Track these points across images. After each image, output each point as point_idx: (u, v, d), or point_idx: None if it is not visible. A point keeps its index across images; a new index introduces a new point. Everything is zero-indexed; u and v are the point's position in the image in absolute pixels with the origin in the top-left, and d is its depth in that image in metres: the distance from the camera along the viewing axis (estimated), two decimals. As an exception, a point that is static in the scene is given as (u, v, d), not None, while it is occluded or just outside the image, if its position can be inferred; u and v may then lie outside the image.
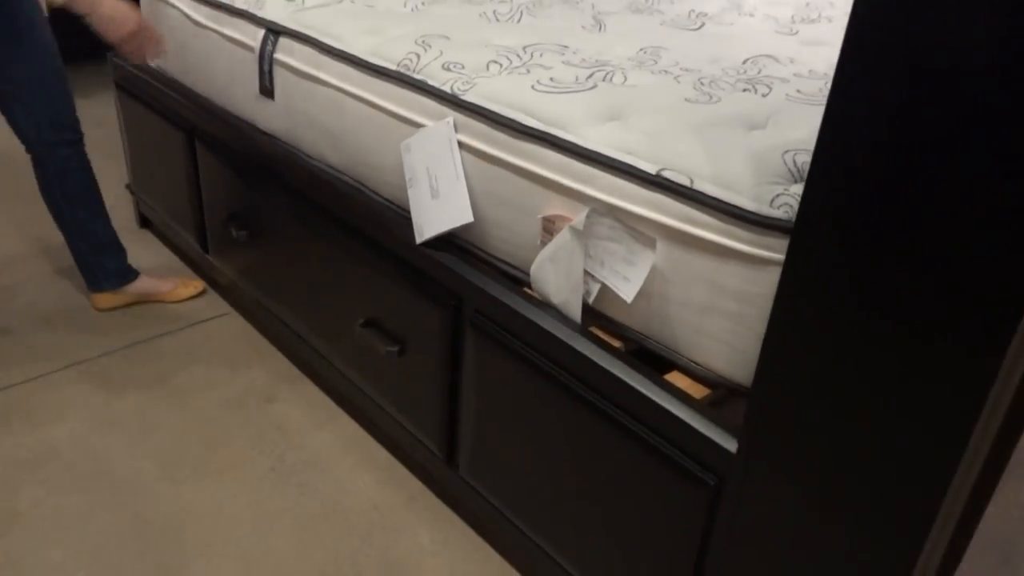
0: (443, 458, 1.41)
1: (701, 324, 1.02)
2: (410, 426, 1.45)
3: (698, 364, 1.06)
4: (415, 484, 1.54)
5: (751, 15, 1.80)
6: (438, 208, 1.26)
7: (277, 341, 1.90)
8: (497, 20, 1.60)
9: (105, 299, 1.95)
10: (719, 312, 1.00)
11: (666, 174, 1.01)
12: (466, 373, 1.29)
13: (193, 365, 1.80)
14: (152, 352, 1.84)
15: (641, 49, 1.45)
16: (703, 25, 1.69)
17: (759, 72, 1.36)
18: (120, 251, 1.92)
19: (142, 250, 2.23)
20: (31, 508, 1.43)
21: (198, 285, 2.04)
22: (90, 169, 1.80)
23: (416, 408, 1.42)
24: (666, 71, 1.33)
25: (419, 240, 1.30)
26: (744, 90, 1.25)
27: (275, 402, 1.72)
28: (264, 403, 1.71)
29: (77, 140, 1.75)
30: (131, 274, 1.95)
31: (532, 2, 1.76)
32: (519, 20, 1.62)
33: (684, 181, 0.99)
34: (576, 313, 1.12)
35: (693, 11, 1.80)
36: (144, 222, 2.36)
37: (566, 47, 1.43)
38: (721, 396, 1.04)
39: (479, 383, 1.26)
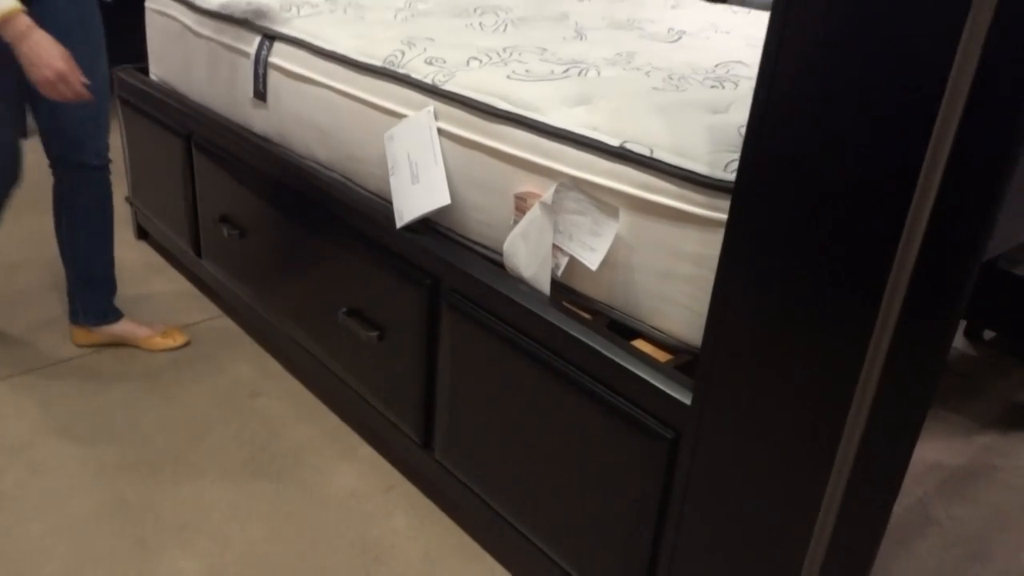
0: (420, 442, 1.43)
1: (662, 290, 1.06)
2: (389, 413, 1.48)
3: (660, 331, 1.09)
4: (394, 475, 1.56)
5: (727, 32, 1.89)
6: (418, 193, 1.32)
7: (264, 340, 1.94)
8: (482, 29, 1.68)
9: (81, 335, 1.86)
10: (678, 277, 1.04)
11: (628, 146, 1.06)
12: (442, 353, 1.32)
13: (181, 363, 1.84)
14: (141, 351, 1.87)
15: (617, 53, 1.53)
16: (680, 38, 1.76)
17: (728, 72, 1.42)
18: (109, 290, 1.84)
19: (137, 256, 2.28)
20: (14, 489, 1.45)
21: (179, 338, 1.91)
22: (106, 199, 1.74)
23: (395, 393, 1.45)
24: (638, 68, 1.40)
25: (400, 224, 1.35)
26: (712, 87, 1.31)
27: (259, 396, 1.75)
28: (248, 398, 1.74)
29: (100, 167, 1.70)
30: (112, 315, 1.85)
31: (518, 17, 1.85)
32: (504, 30, 1.70)
33: (644, 151, 1.04)
34: (545, 285, 1.17)
35: (672, 28, 1.88)
36: (141, 233, 2.42)
37: (545, 50, 1.50)
38: (683, 361, 1.08)
39: (455, 361, 1.29)
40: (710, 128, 1.06)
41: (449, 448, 1.36)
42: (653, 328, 1.10)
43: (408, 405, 1.42)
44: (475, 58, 1.39)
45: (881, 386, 0.75)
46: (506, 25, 1.74)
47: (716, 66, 1.48)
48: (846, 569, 0.86)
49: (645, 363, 1.02)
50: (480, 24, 1.73)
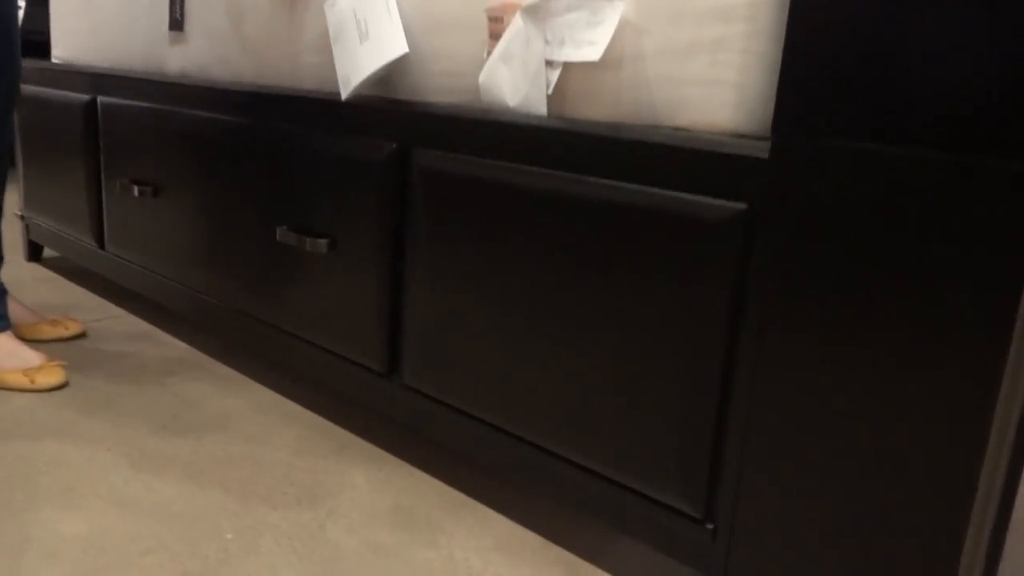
0: (383, 370, 1.14)
1: (685, 73, 0.87)
2: (342, 347, 1.19)
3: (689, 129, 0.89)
4: (345, 436, 1.25)
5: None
6: (368, 50, 1.11)
7: (177, 328, 1.62)
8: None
9: None
10: (705, 47, 0.85)
11: (629, -90, 0.89)
12: (413, 243, 1.07)
13: (73, 352, 1.49)
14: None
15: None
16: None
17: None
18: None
19: (28, 274, 1.95)
20: None
21: (72, 327, 1.57)
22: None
23: (349, 318, 1.17)
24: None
25: (346, 94, 1.13)
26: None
27: (172, 376, 1.42)
28: (160, 377, 1.41)
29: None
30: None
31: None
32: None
33: (650, -92, 0.88)
34: (541, 105, 0.96)
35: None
36: (33, 255, 2.09)
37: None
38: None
39: (432, 245, 1.04)
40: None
41: (423, 366, 1.08)
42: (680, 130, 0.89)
43: (367, 326, 1.14)
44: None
45: None
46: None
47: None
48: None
49: (698, 138, 0.81)
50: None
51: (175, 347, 1.56)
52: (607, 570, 0.96)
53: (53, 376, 1.32)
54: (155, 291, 1.58)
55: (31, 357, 1.33)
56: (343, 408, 1.34)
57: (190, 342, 1.59)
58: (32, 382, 1.30)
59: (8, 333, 1.36)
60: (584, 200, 0.87)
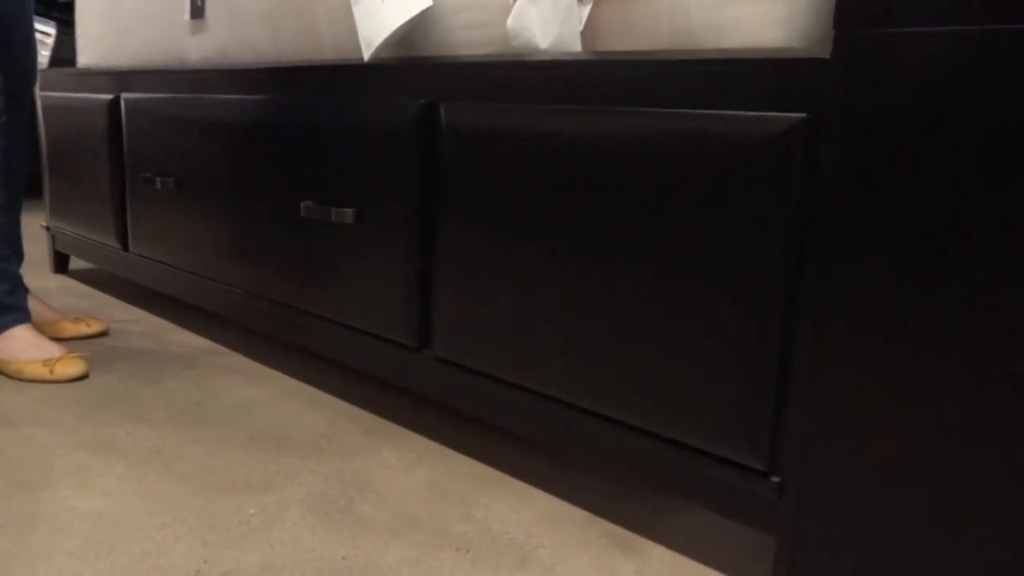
0: (414, 343, 1.08)
1: (729, -7, 0.81)
2: (371, 324, 1.13)
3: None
4: (374, 419, 1.18)
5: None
6: (389, 7, 1.07)
7: (199, 325, 1.58)
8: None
9: None
10: (750, -38, 0.79)
11: None
12: (444, 205, 1.01)
13: (94, 346, 1.45)
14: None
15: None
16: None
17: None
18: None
19: (54, 285, 1.93)
20: None
21: (94, 324, 1.52)
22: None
23: (378, 292, 1.11)
24: None
25: (368, 55, 1.09)
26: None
27: (195, 368, 1.37)
28: (182, 370, 1.36)
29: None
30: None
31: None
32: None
33: None
34: (575, 43, 0.91)
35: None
36: (59, 267, 2.07)
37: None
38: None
39: (466, 206, 0.98)
40: None
41: (457, 335, 1.02)
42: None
43: (396, 298, 1.08)
44: None
45: None
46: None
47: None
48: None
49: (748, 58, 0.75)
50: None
51: (198, 343, 1.51)
52: (659, 542, 0.88)
53: (73, 367, 1.28)
54: (178, 287, 1.54)
55: (51, 348, 1.29)
56: (372, 392, 1.28)
57: (213, 338, 1.54)
58: (51, 372, 1.26)
59: (28, 325, 1.32)
60: (627, 138, 0.81)
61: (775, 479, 0.75)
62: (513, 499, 0.96)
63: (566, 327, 0.89)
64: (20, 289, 1.34)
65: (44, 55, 3.05)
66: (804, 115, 0.69)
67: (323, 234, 1.18)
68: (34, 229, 2.16)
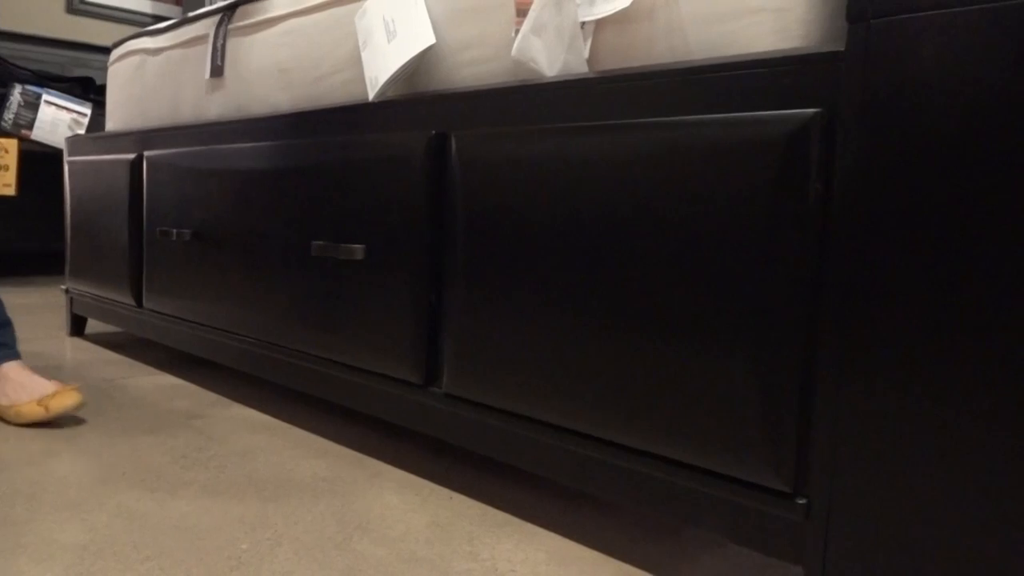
0: (421, 380, 1.04)
1: (720, 7, 0.81)
2: (377, 363, 1.10)
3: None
4: (378, 464, 1.13)
5: None
6: (395, 47, 1.09)
7: (208, 379, 1.55)
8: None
9: None
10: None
11: None
12: (455, 237, 1.00)
13: (105, 408, 1.42)
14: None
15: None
16: None
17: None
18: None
19: (69, 348, 1.92)
20: None
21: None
22: None
23: (385, 328, 1.08)
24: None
25: (373, 94, 1.10)
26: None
27: (199, 419, 1.34)
28: (187, 419, 1.33)
29: None
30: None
31: None
32: None
33: None
34: (582, 69, 0.91)
35: None
36: (76, 329, 2.08)
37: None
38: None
39: (470, 232, 0.97)
40: None
41: (465, 369, 0.98)
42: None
43: (403, 334, 1.06)
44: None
45: None
46: None
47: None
48: None
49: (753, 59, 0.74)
50: None
51: (206, 396, 1.48)
52: (679, 583, 0.81)
53: (68, 399, 1.24)
54: (189, 341, 1.53)
55: (43, 385, 1.26)
56: (380, 440, 1.23)
57: (223, 392, 1.51)
58: (48, 410, 1.23)
59: (18, 362, 1.30)
60: (637, 153, 0.79)
61: (801, 501, 0.69)
62: (522, 539, 0.90)
63: (579, 355, 0.85)
64: (8, 327, 1.32)
65: (80, 134, 3.17)
66: (819, 110, 0.67)
67: (334, 274, 1.16)
68: (54, 296, 2.18)
